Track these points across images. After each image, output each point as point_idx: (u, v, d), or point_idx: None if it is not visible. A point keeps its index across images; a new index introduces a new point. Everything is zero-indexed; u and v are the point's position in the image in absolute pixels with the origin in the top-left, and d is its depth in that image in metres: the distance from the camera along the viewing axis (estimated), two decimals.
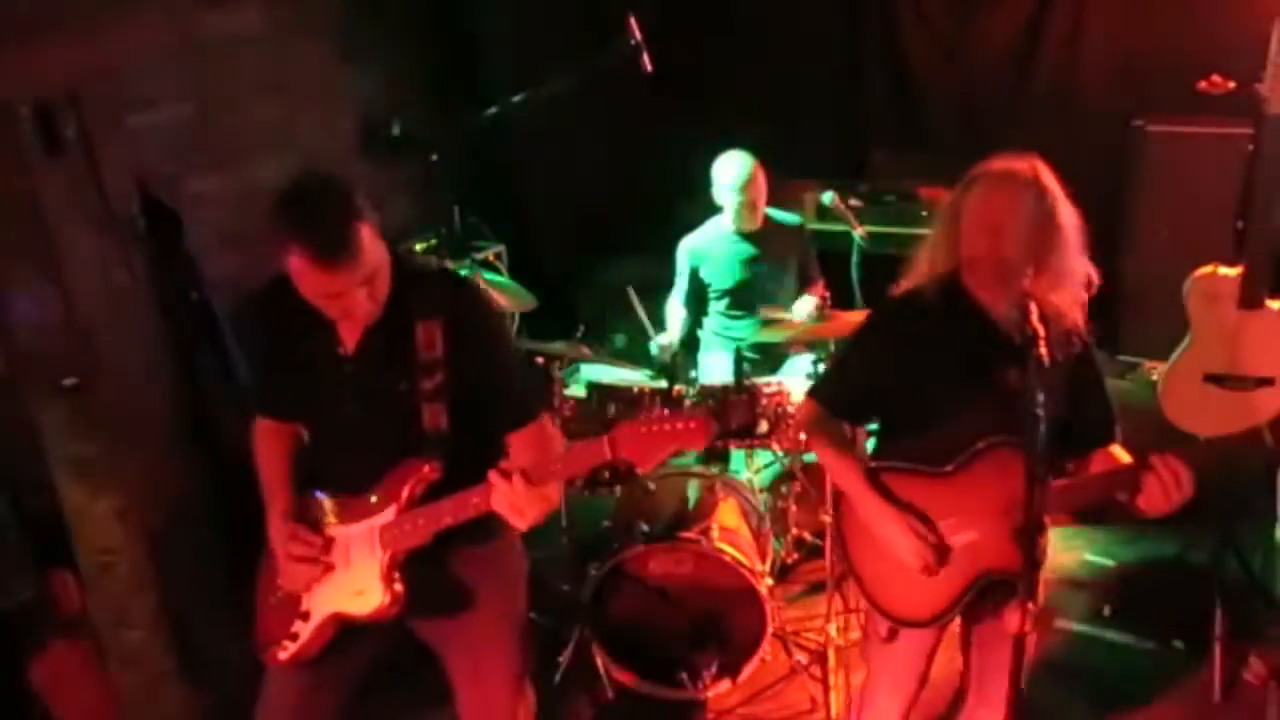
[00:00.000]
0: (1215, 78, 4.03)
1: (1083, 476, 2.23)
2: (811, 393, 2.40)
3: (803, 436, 2.41)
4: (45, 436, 2.71)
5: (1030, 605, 2.06)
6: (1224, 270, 3.16)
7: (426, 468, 2.10)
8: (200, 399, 3.07)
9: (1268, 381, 3.07)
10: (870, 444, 2.52)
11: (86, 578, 2.83)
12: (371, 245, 1.97)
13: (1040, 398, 1.94)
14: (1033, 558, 2.04)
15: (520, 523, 2.02)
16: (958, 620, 2.38)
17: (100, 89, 2.77)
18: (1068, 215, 2.16)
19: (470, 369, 2.12)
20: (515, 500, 1.98)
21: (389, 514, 2.13)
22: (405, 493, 2.12)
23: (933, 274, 2.25)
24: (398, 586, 2.14)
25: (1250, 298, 3.10)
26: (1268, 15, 2.96)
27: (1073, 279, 2.18)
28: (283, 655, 2.24)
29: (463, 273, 3.57)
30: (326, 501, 2.23)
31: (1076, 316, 2.24)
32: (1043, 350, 2.00)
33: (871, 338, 2.34)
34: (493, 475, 1.99)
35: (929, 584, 2.23)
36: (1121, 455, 2.24)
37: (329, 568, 2.20)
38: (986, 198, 2.13)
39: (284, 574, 2.24)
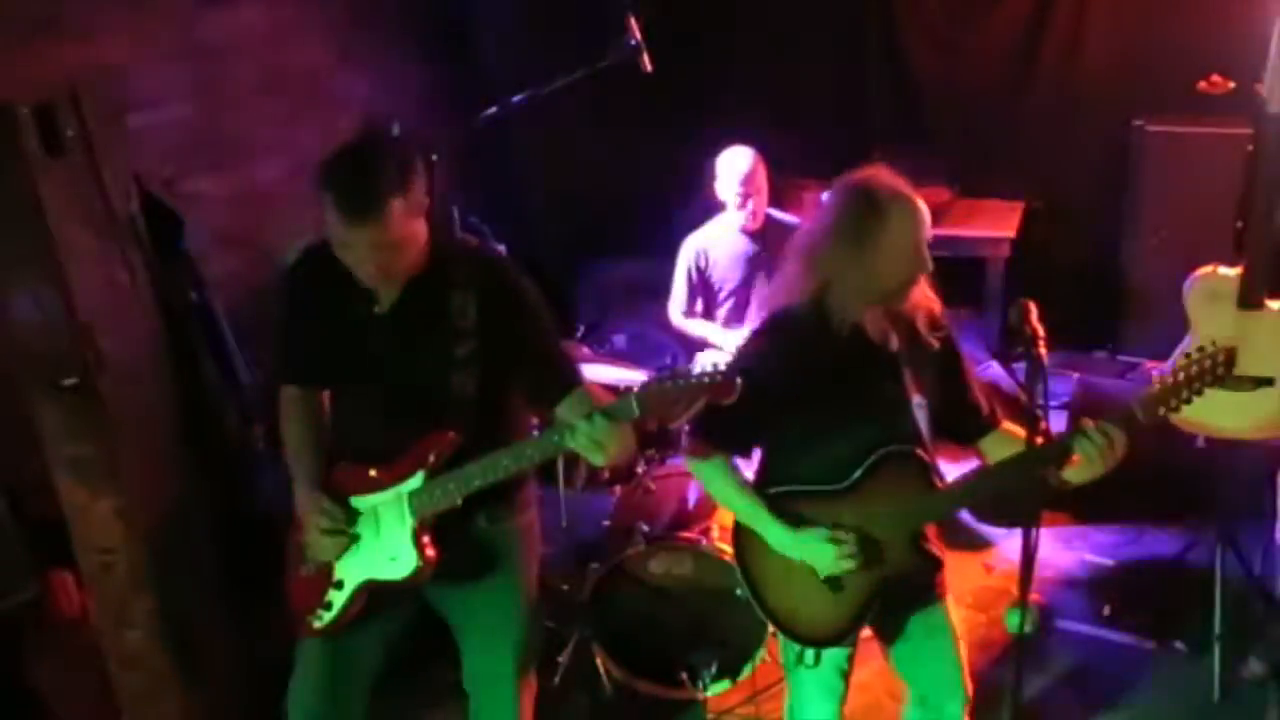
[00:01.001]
0: (1215, 78, 4.04)
1: (1007, 459, 2.23)
2: (700, 432, 2.30)
3: (696, 476, 2.44)
4: (45, 436, 2.71)
5: (1031, 603, 2.09)
6: (1224, 270, 3.16)
7: (451, 434, 2.16)
8: (200, 399, 3.06)
9: (1268, 382, 3.07)
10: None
11: (86, 578, 2.82)
12: (401, 220, 2.03)
13: (1040, 397, 1.97)
14: (1031, 558, 2.06)
15: (601, 458, 2.03)
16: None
17: (100, 89, 2.76)
18: None
19: (503, 340, 2.18)
20: (595, 435, 2.00)
21: (417, 480, 2.19)
22: (431, 458, 2.17)
23: (803, 295, 2.23)
24: (430, 550, 2.20)
25: (1250, 298, 3.10)
26: (1268, 15, 2.96)
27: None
28: (318, 625, 2.29)
29: None
30: (353, 471, 2.27)
31: (930, 305, 2.28)
32: (1042, 350, 2.02)
33: (751, 365, 2.30)
34: (572, 418, 2.03)
35: (837, 600, 2.26)
36: (1019, 433, 2.23)
37: (357, 535, 2.25)
38: (913, 226, 2.14)
39: (313, 544, 2.27)
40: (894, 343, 2.25)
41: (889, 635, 2.39)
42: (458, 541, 2.26)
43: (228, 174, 3.63)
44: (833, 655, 2.35)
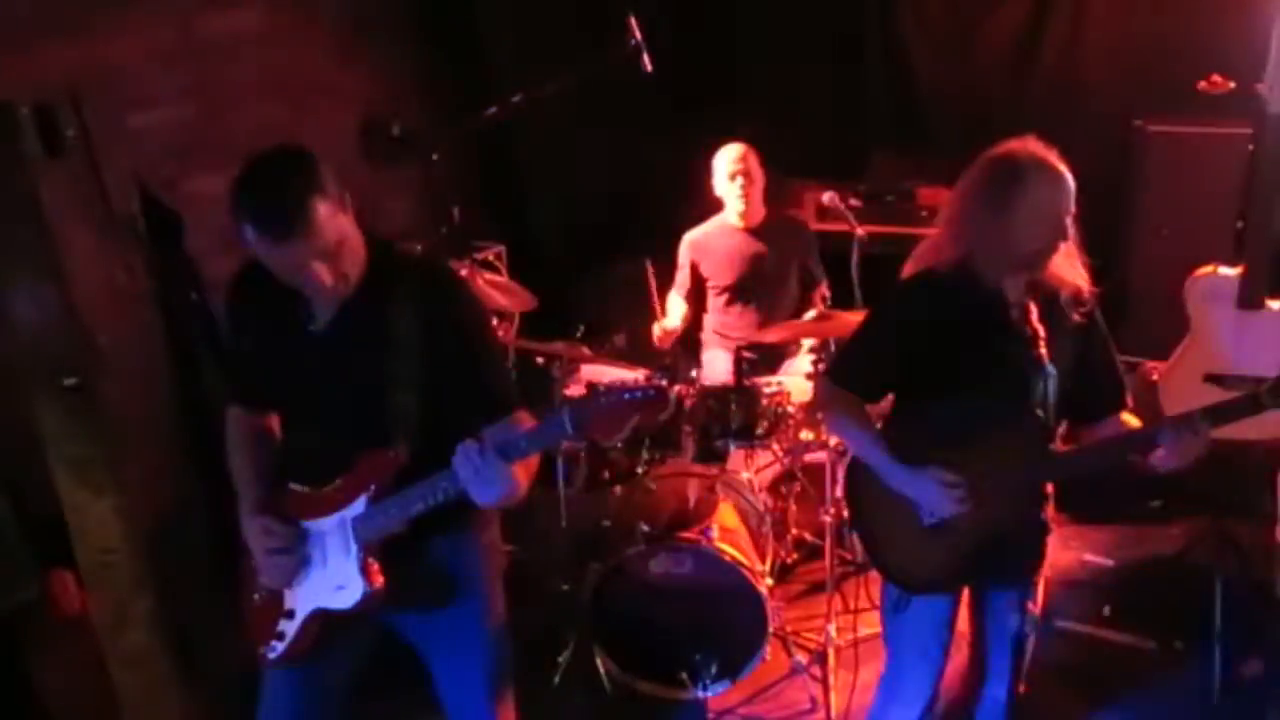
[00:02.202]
0: (1215, 78, 4.04)
1: (1101, 440, 2.31)
2: (829, 373, 2.47)
3: (820, 415, 2.50)
4: (45, 436, 2.71)
5: (1030, 605, 2.10)
6: (1224, 270, 3.16)
7: (392, 454, 2.08)
8: (200, 399, 3.06)
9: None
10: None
11: (86, 578, 2.82)
12: (329, 220, 1.94)
13: (1038, 397, 1.98)
14: (1037, 558, 2.06)
15: (481, 495, 1.96)
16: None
17: (100, 89, 2.76)
18: None
19: (443, 357, 2.10)
20: (480, 468, 1.93)
21: (359, 505, 2.11)
22: (373, 483, 2.10)
23: (945, 259, 2.28)
24: (378, 578, 2.12)
25: (1250, 298, 3.10)
26: (1268, 15, 2.96)
27: (1074, 248, 2.27)
28: (272, 655, 2.22)
29: (462, 271, 3.59)
30: (297, 494, 2.21)
31: (1077, 281, 2.30)
32: (1043, 351, 2.02)
33: (890, 318, 2.39)
34: (461, 446, 1.96)
35: (939, 548, 2.29)
36: (1132, 421, 2.32)
37: (306, 562, 2.19)
38: (1053, 193, 2.17)
39: (262, 570, 2.22)
40: (1033, 310, 2.26)
41: (979, 596, 2.46)
42: (414, 567, 2.20)
43: (228, 174, 3.61)
44: (931, 622, 2.39)
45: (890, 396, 2.47)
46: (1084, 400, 2.36)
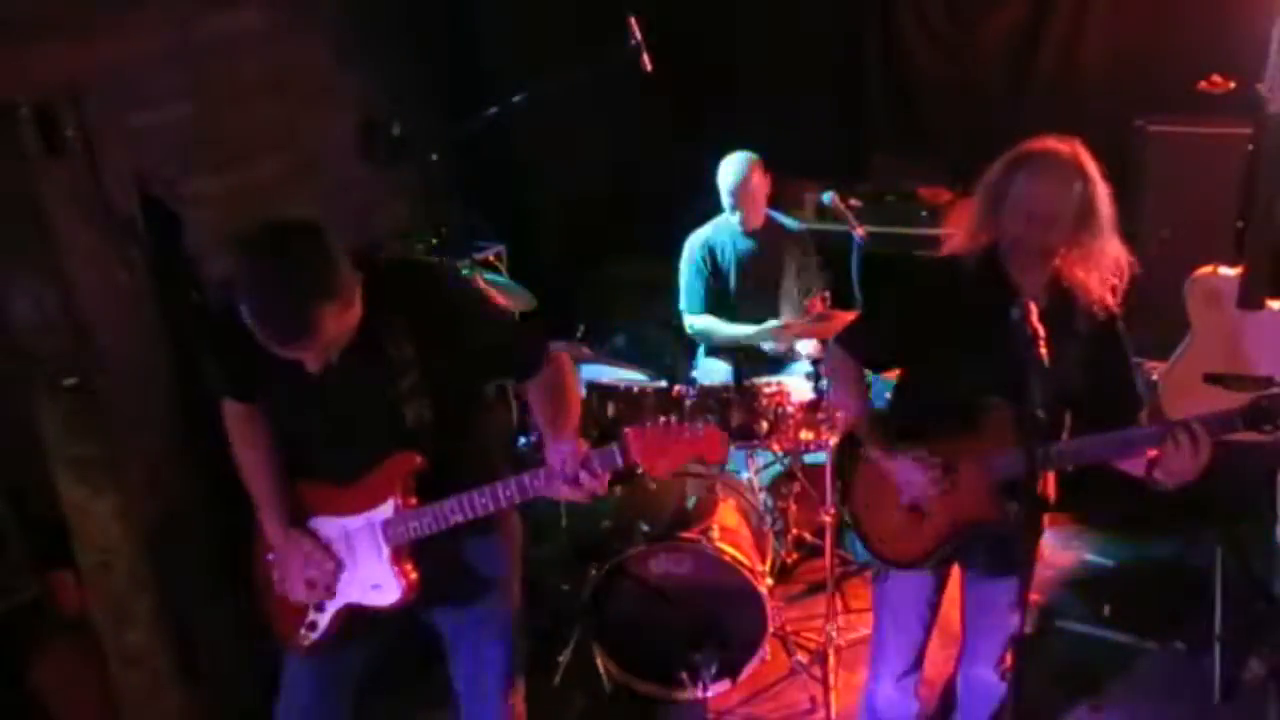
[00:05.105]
0: (1215, 78, 4.04)
1: (1097, 435, 2.26)
2: (840, 339, 2.51)
3: (825, 377, 2.67)
4: (45, 436, 2.71)
5: (1030, 603, 2.10)
6: (1224, 270, 3.16)
7: (418, 459, 2.13)
8: (200, 399, 3.06)
9: (1267, 381, 3.07)
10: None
11: (86, 578, 2.83)
12: (335, 320, 1.88)
13: (1037, 397, 1.98)
14: (1032, 557, 2.07)
15: (576, 495, 2.14)
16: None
17: (100, 89, 2.76)
18: (1104, 200, 2.25)
19: (445, 354, 2.09)
20: (580, 490, 2.11)
21: (388, 509, 2.14)
22: (399, 487, 2.13)
23: (972, 244, 2.32)
24: (412, 575, 2.18)
25: (1250, 298, 3.10)
26: (1268, 15, 2.96)
27: (1102, 259, 2.28)
28: (305, 644, 2.27)
29: (464, 271, 3.59)
30: (319, 490, 2.22)
31: (1104, 295, 2.31)
32: (1042, 351, 2.02)
33: (908, 296, 2.45)
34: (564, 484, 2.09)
35: (918, 530, 2.34)
36: None
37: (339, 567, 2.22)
38: (1033, 187, 2.20)
39: (291, 585, 2.23)
40: (1034, 309, 2.20)
41: (967, 579, 2.52)
42: (448, 565, 2.25)
43: (228, 174, 3.63)
44: (907, 594, 2.47)
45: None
46: (1097, 410, 2.35)
